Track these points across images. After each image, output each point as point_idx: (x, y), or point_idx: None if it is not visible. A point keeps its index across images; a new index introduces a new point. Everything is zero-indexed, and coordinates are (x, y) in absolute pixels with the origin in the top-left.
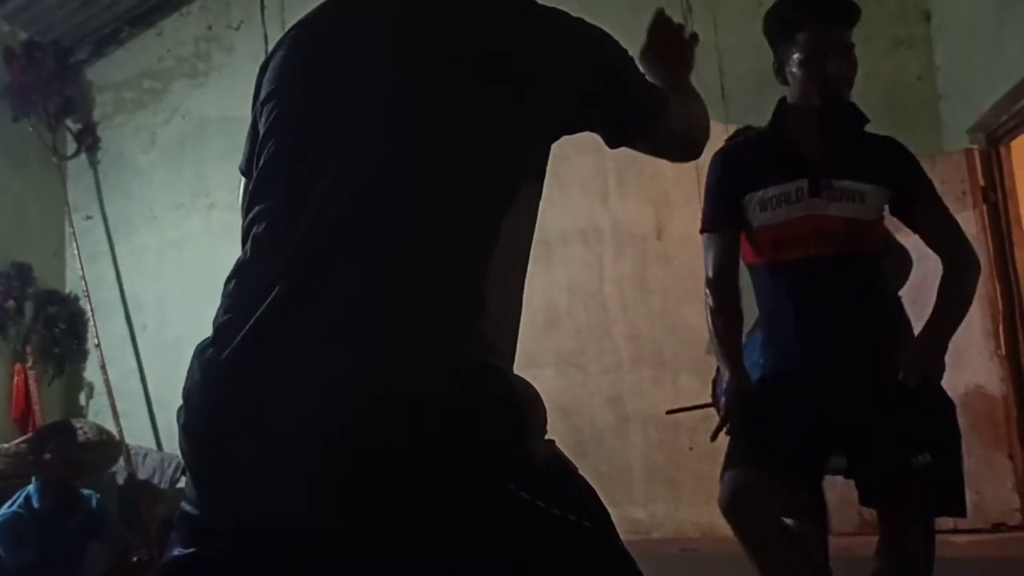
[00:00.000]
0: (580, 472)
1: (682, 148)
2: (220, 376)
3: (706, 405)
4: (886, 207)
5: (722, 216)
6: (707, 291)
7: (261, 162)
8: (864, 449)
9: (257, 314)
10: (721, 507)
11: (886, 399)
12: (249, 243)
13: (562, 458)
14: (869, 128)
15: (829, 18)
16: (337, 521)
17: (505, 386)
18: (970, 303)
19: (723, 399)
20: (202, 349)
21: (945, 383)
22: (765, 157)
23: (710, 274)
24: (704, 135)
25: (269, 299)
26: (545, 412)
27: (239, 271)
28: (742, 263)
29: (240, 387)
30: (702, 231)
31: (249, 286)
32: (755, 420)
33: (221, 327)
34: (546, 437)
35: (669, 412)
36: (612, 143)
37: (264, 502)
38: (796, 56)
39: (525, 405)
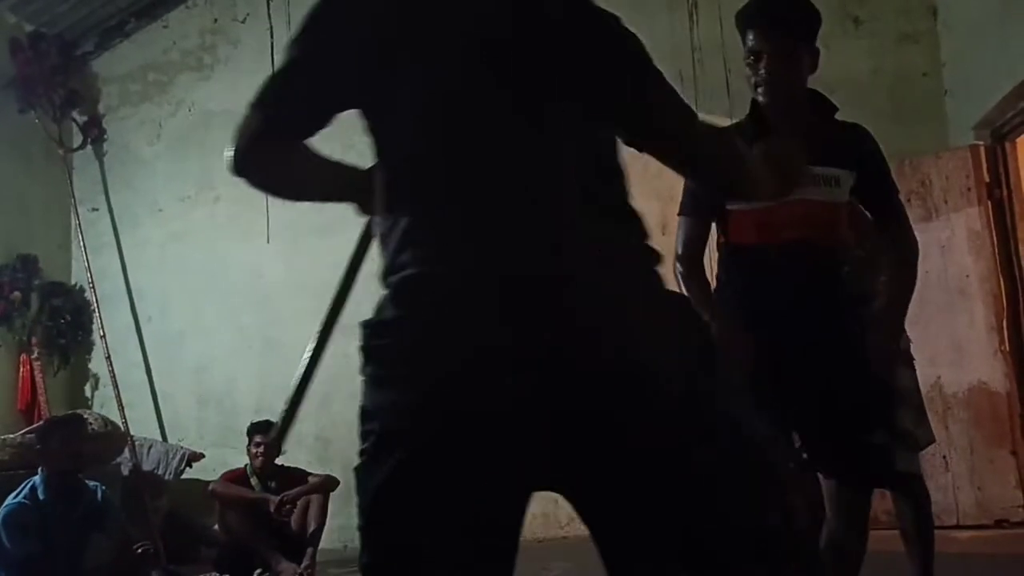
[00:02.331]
0: None
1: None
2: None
3: None
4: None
5: (699, 205)
6: (676, 264)
7: (417, 111)
8: (831, 424)
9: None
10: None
11: (850, 378)
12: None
13: None
14: (845, 117)
15: (765, 24)
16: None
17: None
18: (914, 288)
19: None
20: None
21: (949, 379)
22: None
23: (679, 251)
24: (728, 177)
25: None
26: None
27: (410, 223)
28: (716, 242)
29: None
30: (679, 214)
31: (425, 233)
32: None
33: (414, 254)
34: None
35: None
36: (632, 140)
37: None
38: (744, 57)
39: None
